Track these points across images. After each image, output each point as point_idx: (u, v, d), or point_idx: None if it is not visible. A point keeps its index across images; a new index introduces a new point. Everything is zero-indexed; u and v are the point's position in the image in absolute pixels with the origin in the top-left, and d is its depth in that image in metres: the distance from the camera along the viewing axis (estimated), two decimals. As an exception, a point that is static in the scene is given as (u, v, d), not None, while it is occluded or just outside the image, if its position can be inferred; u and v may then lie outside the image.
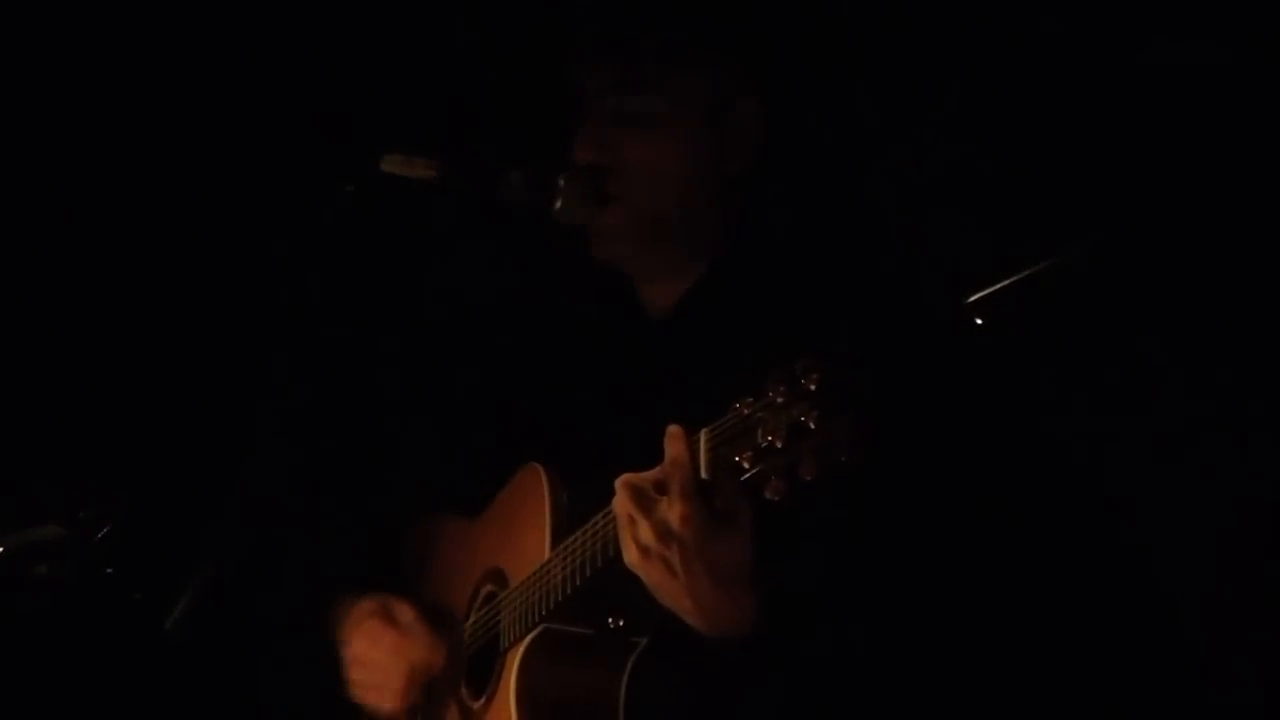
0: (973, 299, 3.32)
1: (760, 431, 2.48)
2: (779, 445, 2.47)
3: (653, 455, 2.63)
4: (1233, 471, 3.35)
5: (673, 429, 2.59)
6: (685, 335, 3.06)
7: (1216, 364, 3.36)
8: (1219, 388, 3.36)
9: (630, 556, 2.65)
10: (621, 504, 2.64)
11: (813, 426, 2.44)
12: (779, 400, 2.46)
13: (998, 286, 3.33)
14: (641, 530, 2.62)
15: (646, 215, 3.02)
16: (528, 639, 2.91)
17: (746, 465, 2.51)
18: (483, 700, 3.06)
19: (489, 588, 3.12)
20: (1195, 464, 3.37)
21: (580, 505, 2.86)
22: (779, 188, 3.09)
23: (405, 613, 3.19)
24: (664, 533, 2.60)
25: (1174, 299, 3.38)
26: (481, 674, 3.07)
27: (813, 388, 2.44)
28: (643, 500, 2.62)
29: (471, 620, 3.15)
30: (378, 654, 3.18)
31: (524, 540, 3.00)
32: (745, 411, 2.51)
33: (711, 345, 2.99)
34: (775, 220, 3.09)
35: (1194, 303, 3.37)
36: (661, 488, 2.61)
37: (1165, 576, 3.28)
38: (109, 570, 3.18)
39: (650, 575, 2.64)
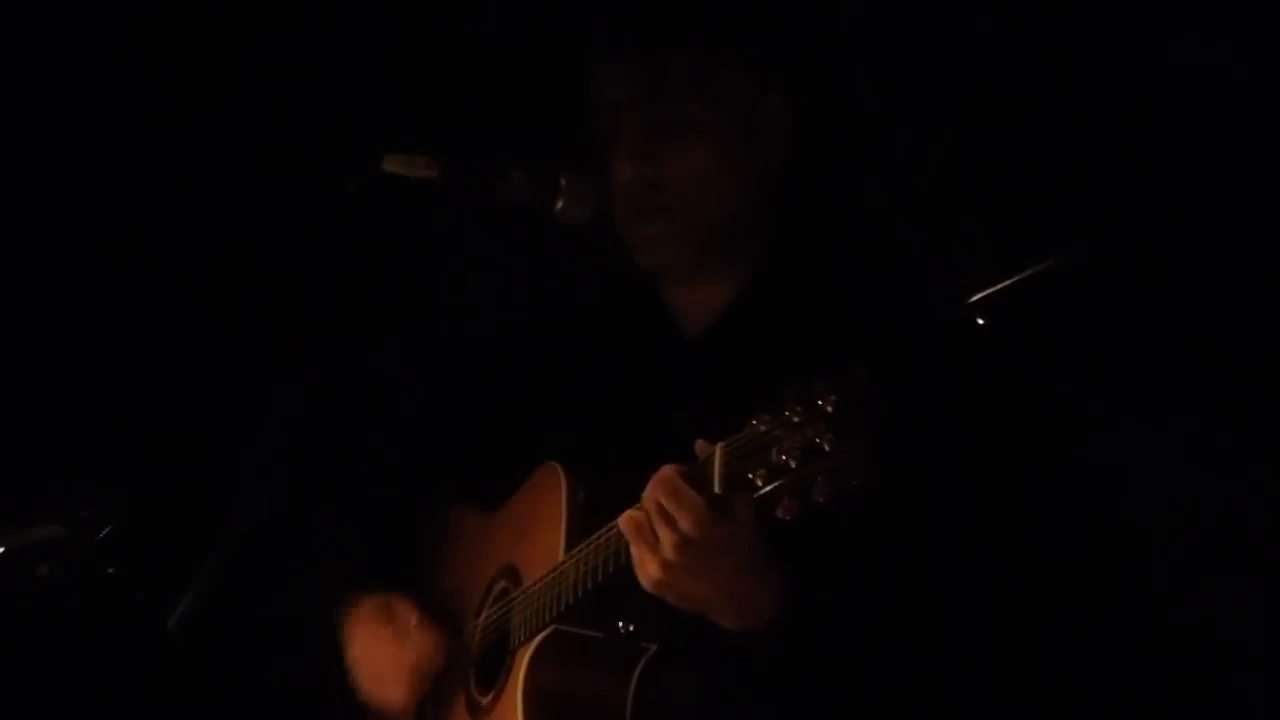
0: (973, 299, 3.33)
1: (775, 450, 2.49)
2: (793, 465, 2.48)
3: (673, 462, 2.64)
4: (1234, 472, 3.36)
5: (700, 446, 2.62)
6: (720, 350, 3.06)
7: (1217, 364, 3.37)
8: (1220, 388, 3.37)
9: (650, 574, 2.66)
10: (632, 524, 2.66)
11: (827, 449, 2.45)
12: (795, 419, 2.47)
13: (998, 287, 3.33)
14: (662, 544, 2.63)
15: (694, 222, 3.03)
16: (538, 639, 2.93)
17: (760, 483, 2.52)
18: (491, 696, 3.07)
19: (503, 584, 3.13)
20: (1197, 464, 3.38)
21: (597, 506, 2.87)
22: (809, 187, 3.10)
23: (405, 611, 3.20)
24: (683, 542, 2.61)
25: (1175, 299, 3.39)
26: (491, 670, 3.08)
27: (829, 409, 2.44)
28: (651, 528, 2.65)
29: (484, 616, 3.16)
30: (378, 653, 3.20)
31: (539, 539, 3.01)
32: (761, 428, 2.51)
33: (744, 361, 2.99)
34: (808, 227, 3.10)
35: (1195, 302, 3.38)
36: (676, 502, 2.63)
37: (1170, 579, 3.29)
38: (110, 570, 3.18)
39: (677, 587, 2.65)
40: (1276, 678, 3.30)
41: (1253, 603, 3.32)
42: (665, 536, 2.63)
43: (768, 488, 2.51)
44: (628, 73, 3.06)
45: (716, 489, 2.59)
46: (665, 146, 3.02)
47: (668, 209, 3.03)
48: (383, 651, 3.20)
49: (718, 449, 2.59)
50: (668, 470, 2.65)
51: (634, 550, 2.67)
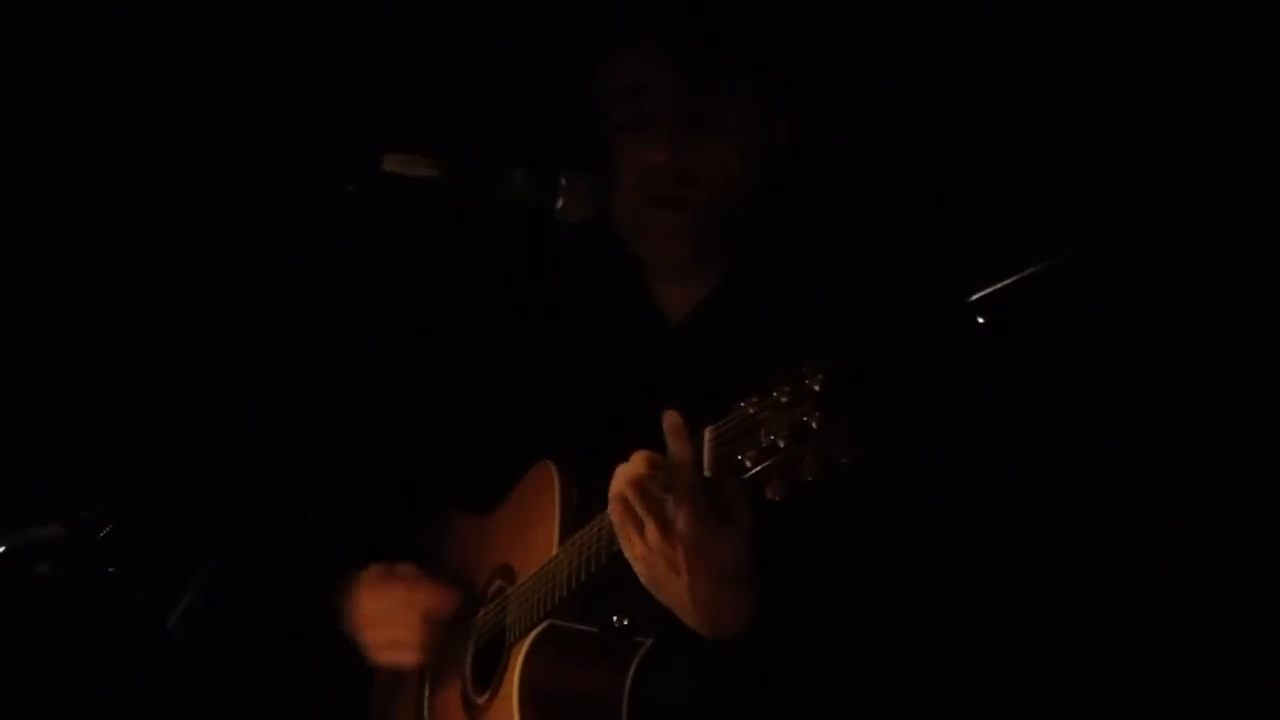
0: (973, 299, 3.32)
1: (763, 431, 2.49)
2: (781, 445, 2.48)
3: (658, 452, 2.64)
4: (1233, 471, 3.35)
5: (673, 422, 2.60)
6: (701, 339, 3.08)
7: (1217, 364, 3.37)
8: (1220, 387, 3.37)
9: (633, 552, 2.66)
10: (622, 500, 2.65)
11: (815, 427, 2.46)
12: (783, 400, 2.48)
13: (998, 286, 3.33)
14: (647, 529, 2.63)
15: (711, 218, 3.08)
16: (532, 635, 2.93)
17: (749, 464, 2.52)
18: (487, 695, 3.07)
19: (498, 583, 3.13)
20: (1196, 463, 3.38)
21: (590, 503, 2.87)
22: (797, 189, 3.13)
23: (407, 568, 3.22)
24: (666, 531, 2.62)
25: (1174, 298, 3.39)
26: (487, 669, 3.08)
27: (817, 389, 2.46)
28: (646, 498, 2.63)
29: (480, 615, 3.16)
30: (386, 607, 3.22)
31: (533, 537, 3.01)
32: (750, 411, 2.52)
33: (726, 350, 3.01)
34: (793, 223, 3.12)
35: (1195, 302, 3.38)
36: (664, 485, 2.62)
37: (1164, 578, 3.28)
38: (111, 569, 3.17)
39: (651, 572, 2.66)
40: (1275, 677, 3.30)
41: (1249, 602, 3.32)
42: (683, 507, 2.61)
43: (757, 469, 2.51)
44: (668, 61, 3.09)
45: (707, 472, 2.59)
46: (698, 140, 3.07)
47: (690, 202, 3.06)
48: (390, 609, 3.20)
49: (706, 432, 2.59)
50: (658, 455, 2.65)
51: (618, 527, 2.67)
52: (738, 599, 2.68)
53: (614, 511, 2.67)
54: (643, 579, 2.68)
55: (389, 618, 3.19)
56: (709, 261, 3.12)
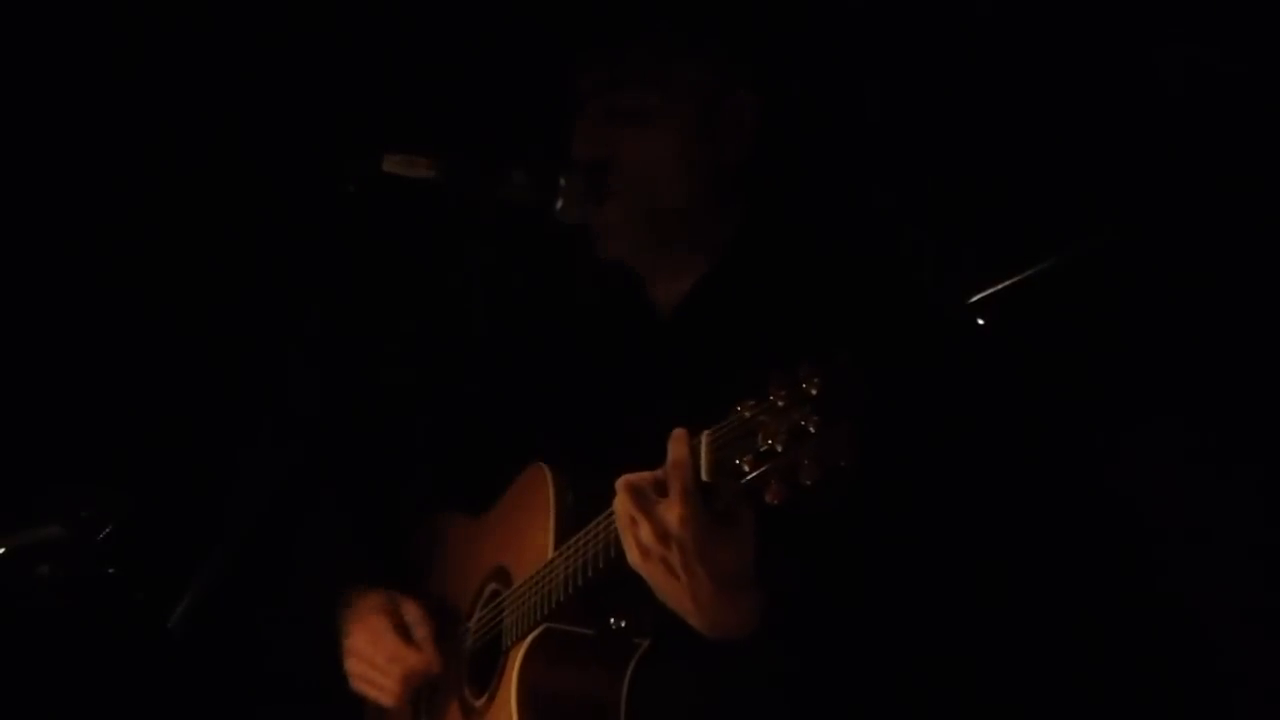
0: (973, 299, 3.32)
1: (761, 435, 2.48)
2: (779, 449, 2.47)
3: (659, 455, 2.63)
4: (1233, 471, 3.35)
5: (677, 432, 2.60)
6: (690, 333, 3.08)
7: (1216, 364, 3.36)
8: (1218, 388, 3.36)
9: (632, 557, 2.66)
10: (622, 504, 2.65)
11: (813, 431, 2.45)
12: (780, 404, 2.47)
13: (998, 287, 3.33)
14: (642, 531, 2.63)
15: (644, 210, 3.06)
16: (529, 638, 2.92)
17: (748, 469, 2.51)
18: (484, 698, 3.06)
19: (493, 586, 3.13)
20: (1196, 464, 3.37)
21: (585, 505, 2.86)
22: (778, 181, 3.11)
23: (411, 613, 3.21)
24: (664, 534, 2.61)
25: (1175, 299, 3.39)
26: (484, 672, 3.08)
27: (814, 392, 2.44)
28: (643, 501, 2.63)
29: (475, 618, 3.16)
30: (376, 654, 3.21)
31: (528, 539, 3.01)
32: (747, 414, 2.51)
33: (716, 344, 3.00)
34: (777, 215, 3.11)
35: (1195, 302, 3.37)
36: (662, 488, 2.62)
37: (1167, 576, 3.28)
38: (111, 570, 3.18)
39: (652, 576, 2.66)
40: (1271, 676, 3.30)
41: (1247, 603, 3.32)
42: (675, 510, 2.60)
43: (755, 473, 2.50)
44: (591, 62, 3.11)
45: (704, 476, 2.58)
46: (620, 133, 3.06)
47: (614, 193, 3.05)
48: (379, 657, 3.20)
49: (704, 437, 2.59)
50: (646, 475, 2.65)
51: (620, 521, 2.67)
52: (740, 602, 2.66)
53: (618, 516, 2.67)
54: (648, 582, 2.68)
55: (373, 661, 3.20)
56: (686, 254, 3.10)
